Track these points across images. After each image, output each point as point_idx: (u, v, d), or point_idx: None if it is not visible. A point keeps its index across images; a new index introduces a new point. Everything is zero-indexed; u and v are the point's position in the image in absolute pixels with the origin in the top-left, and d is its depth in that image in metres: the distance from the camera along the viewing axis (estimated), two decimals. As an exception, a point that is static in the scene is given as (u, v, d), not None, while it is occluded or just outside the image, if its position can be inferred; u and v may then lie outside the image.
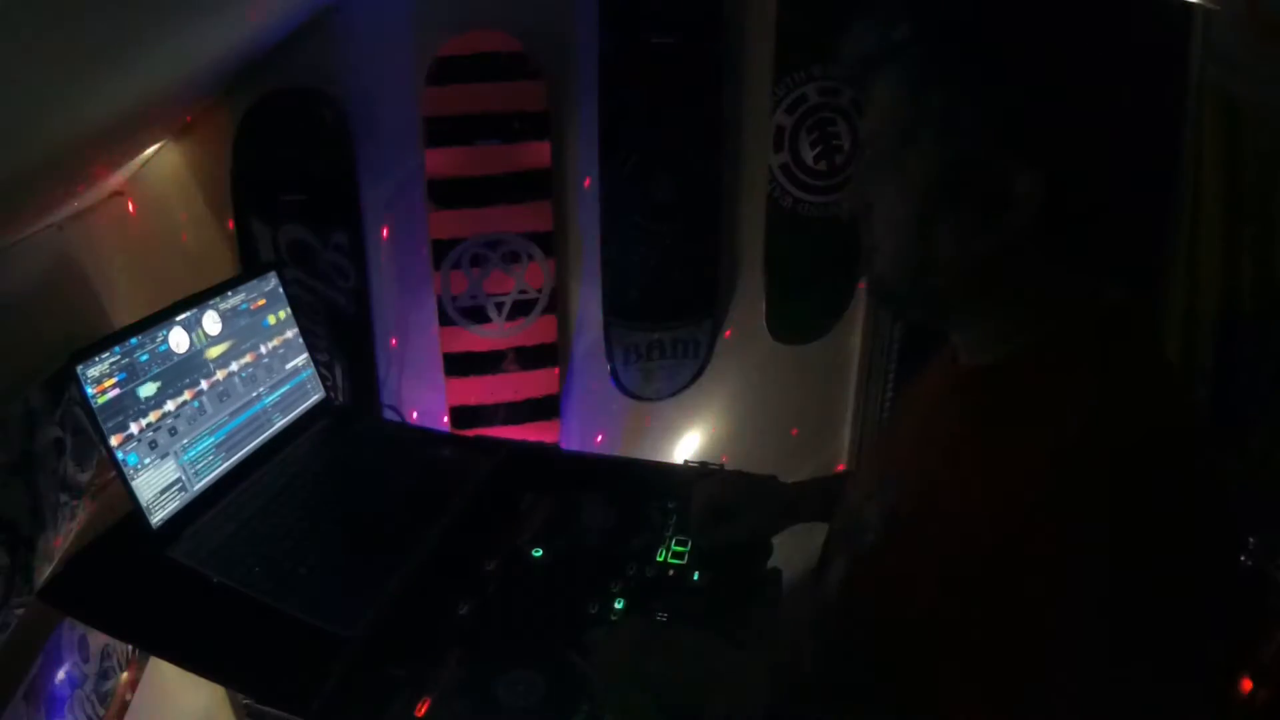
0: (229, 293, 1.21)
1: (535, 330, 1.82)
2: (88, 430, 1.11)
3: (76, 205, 1.23)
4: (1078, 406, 0.67)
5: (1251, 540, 1.48)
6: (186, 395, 1.10)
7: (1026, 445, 0.68)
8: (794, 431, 2.08)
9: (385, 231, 1.72)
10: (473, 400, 1.83)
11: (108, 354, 1.00)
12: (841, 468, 2.13)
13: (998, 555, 0.65)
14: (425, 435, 1.39)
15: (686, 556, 1.09)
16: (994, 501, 0.67)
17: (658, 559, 1.08)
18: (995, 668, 0.65)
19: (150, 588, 0.99)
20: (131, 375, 1.03)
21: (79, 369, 0.97)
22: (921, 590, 0.71)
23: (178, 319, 1.11)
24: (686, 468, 1.28)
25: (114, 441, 0.99)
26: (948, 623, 0.69)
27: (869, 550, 0.82)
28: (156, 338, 1.08)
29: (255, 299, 1.26)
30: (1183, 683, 0.62)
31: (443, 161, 1.65)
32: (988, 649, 0.66)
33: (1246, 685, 1.47)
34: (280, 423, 1.26)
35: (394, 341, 1.79)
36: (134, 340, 1.04)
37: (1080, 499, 0.63)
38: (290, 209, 1.61)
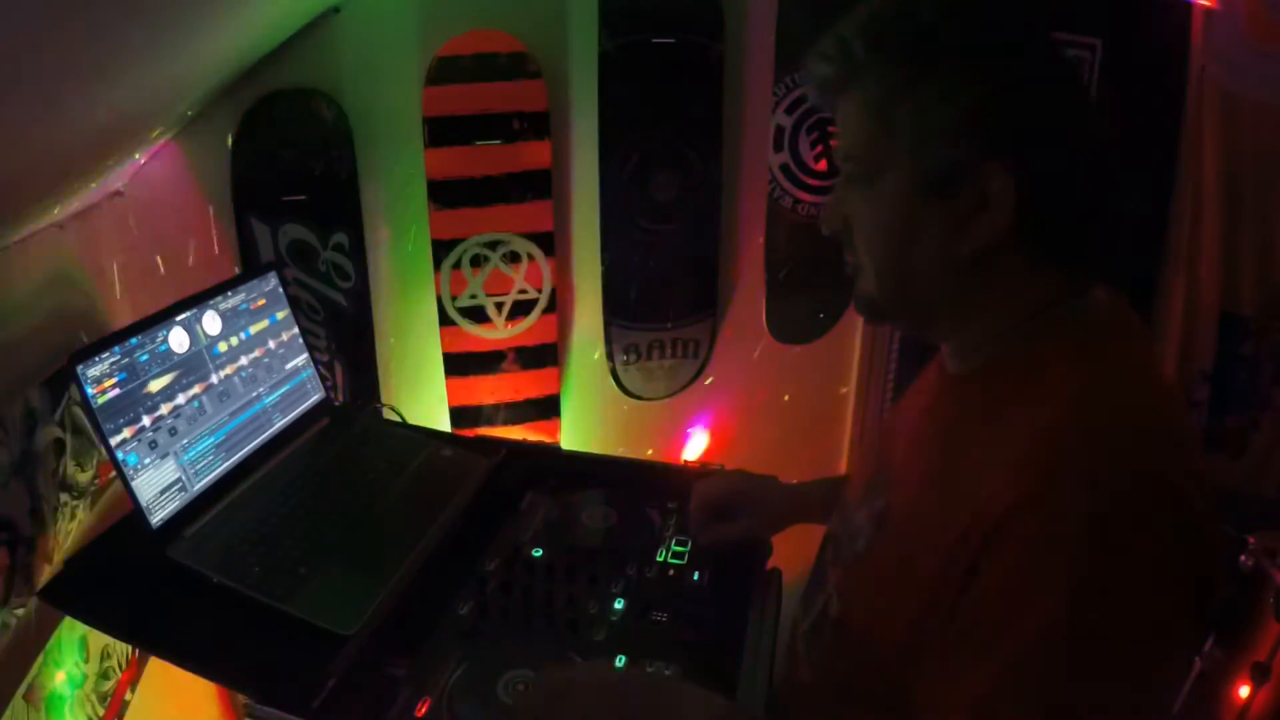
0: (229, 293, 1.21)
1: (535, 330, 1.82)
2: (88, 430, 1.11)
3: (76, 205, 1.23)
4: (1057, 399, 0.68)
5: (1251, 540, 1.48)
6: (186, 396, 1.10)
7: (1005, 439, 0.68)
8: (794, 432, 2.08)
9: (385, 231, 1.72)
10: (473, 400, 1.83)
11: (108, 354, 1.00)
12: (842, 468, 2.13)
13: (973, 548, 0.65)
14: (425, 435, 1.39)
15: (686, 556, 1.09)
16: (972, 495, 0.67)
17: (658, 559, 1.08)
18: (972, 664, 0.65)
19: (150, 588, 0.98)
20: (131, 375, 1.03)
21: (79, 369, 0.97)
22: (907, 593, 0.71)
23: (178, 319, 1.11)
24: (686, 468, 1.29)
25: (114, 441, 0.99)
26: (929, 625, 0.68)
27: (860, 556, 0.82)
28: (156, 338, 1.08)
29: (255, 299, 1.26)
30: (1140, 684, 0.61)
31: (443, 161, 1.65)
32: (963, 649, 0.66)
33: (1246, 685, 1.47)
34: (280, 423, 1.26)
35: (393, 341, 1.79)
36: (134, 340, 1.04)
37: (1054, 492, 0.63)
38: (290, 209, 1.61)
